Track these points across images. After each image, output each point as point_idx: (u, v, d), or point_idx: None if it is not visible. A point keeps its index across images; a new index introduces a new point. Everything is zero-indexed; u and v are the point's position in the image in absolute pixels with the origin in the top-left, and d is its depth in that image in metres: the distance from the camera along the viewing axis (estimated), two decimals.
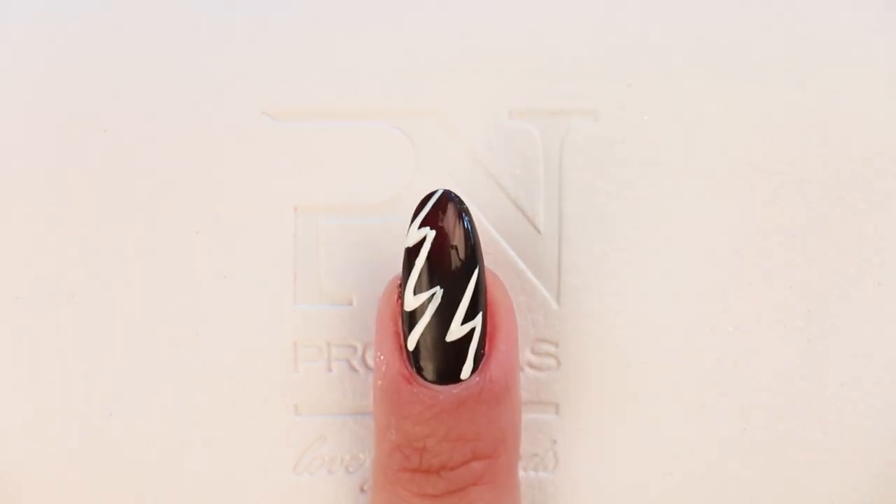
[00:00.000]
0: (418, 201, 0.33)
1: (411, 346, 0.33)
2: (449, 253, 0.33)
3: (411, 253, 0.33)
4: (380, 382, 0.34)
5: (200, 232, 0.36)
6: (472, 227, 0.33)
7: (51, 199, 0.36)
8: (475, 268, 0.33)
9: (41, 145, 0.36)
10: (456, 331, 0.33)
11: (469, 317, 0.33)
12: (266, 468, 0.37)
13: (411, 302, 0.33)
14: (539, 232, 0.37)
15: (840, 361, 0.36)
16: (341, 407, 0.38)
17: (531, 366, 0.37)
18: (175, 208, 0.36)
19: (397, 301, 0.34)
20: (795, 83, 0.36)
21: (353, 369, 0.37)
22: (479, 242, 0.33)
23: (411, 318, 0.33)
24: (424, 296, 0.33)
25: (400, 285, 0.33)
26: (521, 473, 0.38)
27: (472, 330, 0.33)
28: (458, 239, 0.33)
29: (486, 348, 0.33)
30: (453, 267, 0.33)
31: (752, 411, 0.37)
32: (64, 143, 0.36)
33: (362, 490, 0.38)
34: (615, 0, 0.36)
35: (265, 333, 0.37)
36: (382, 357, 0.34)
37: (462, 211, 0.33)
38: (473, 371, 0.33)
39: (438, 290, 0.33)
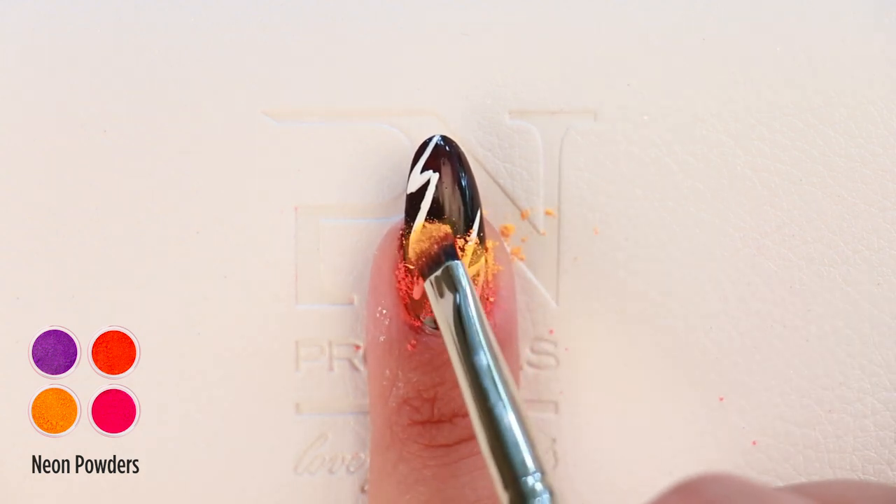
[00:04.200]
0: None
1: (416, 294, 0.33)
2: (453, 193, 0.33)
3: (414, 198, 0.33)
4: (382, 338, 0.33)
5: (201, 232, 0.36)
6: (470, 170, 0.33)
7: (51, 199, 0.36)
8: (477, 209, 0.33)
9: (41, 145, 0.36)
10: None
11: (475, 260, 0.33)
12: (267, 467, 0.37)
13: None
14: (539, 232, 0.37)
15: (840, 361, 0.36)
16: (342, 406, 0.38)
17: (531, 364, 0.37)
18: (176, 208, 0.36)
19: (399, 251, 0.33)
20: (795, 83, 0.36)
21: (355, 368, 0.37)
22: (476, 185, 0.33)
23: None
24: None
25: (402, 235, 0.33)
26: None
27: (478, 273, 0.33)
28: (460, 180, 0.33)
29: (491, 295, 0.33)
30: (458, 207, 0.33)
31: (751, 411, 0.37)
32: (64, 143, 0.36)
33: (363, 490, 0.38)
34: (615, 0, 0.36)
35: (266, 333, 0.37)
36: (385, 311, 0.33)
37: (460, 154, 0.33)
38: None
39: None
